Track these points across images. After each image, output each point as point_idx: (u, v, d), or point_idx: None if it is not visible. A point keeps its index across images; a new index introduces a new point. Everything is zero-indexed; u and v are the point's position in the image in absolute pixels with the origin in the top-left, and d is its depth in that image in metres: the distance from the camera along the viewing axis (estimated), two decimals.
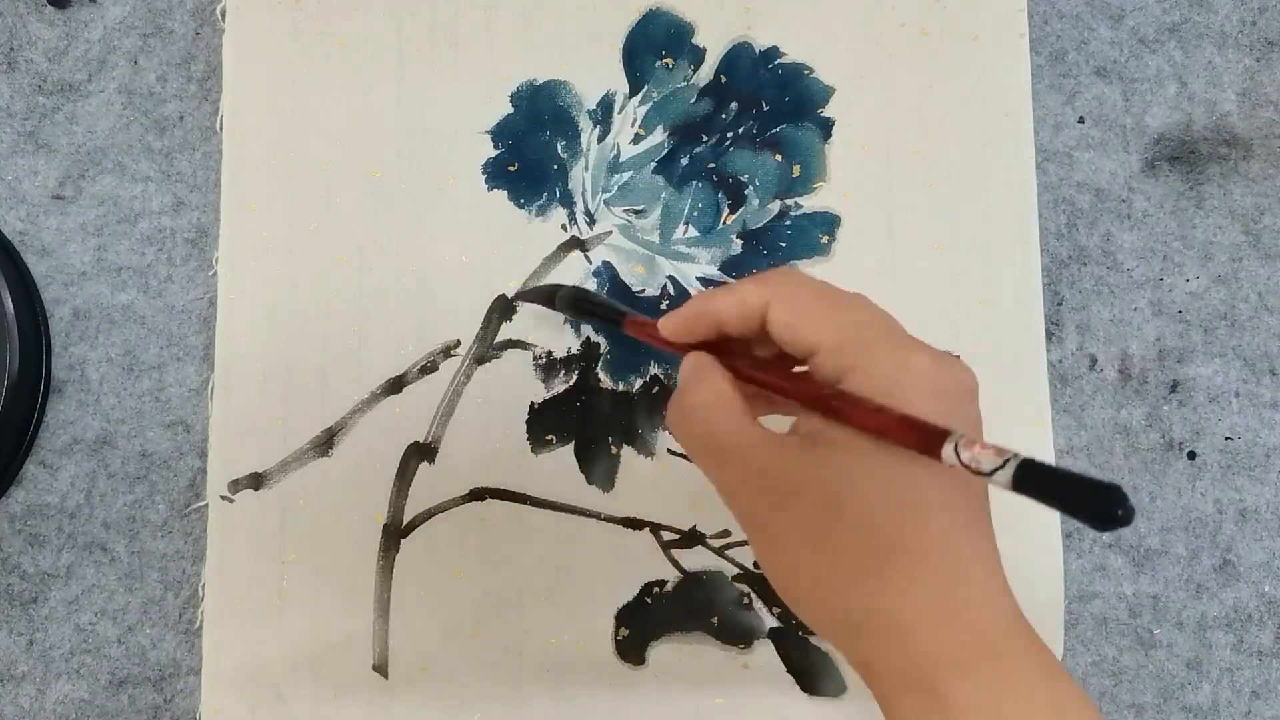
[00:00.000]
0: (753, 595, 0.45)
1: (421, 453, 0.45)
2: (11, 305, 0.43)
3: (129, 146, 0.46)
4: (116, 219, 0.46)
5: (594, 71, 0.47)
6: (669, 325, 0.33)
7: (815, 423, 0.30)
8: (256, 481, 0.45)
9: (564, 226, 0.46)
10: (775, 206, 0.47)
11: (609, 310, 0.39)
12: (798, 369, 0.32)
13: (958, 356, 0.31)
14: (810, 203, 0.47)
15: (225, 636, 0.44)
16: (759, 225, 0.47)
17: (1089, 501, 0.24)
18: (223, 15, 0.46)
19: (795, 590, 0.30)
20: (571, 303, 0.41)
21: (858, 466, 0.29)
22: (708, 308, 0.32)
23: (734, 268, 0.46)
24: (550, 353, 0.46)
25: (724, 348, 0.33)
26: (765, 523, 0.30)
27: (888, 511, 0.28)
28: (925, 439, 0.27)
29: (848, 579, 0.29)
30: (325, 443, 0.45)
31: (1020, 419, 0.46)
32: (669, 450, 0.45)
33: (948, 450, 0.26)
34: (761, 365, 0.33)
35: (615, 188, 0.46)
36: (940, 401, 0.29)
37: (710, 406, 0.30)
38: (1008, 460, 0.25)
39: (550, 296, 0.42)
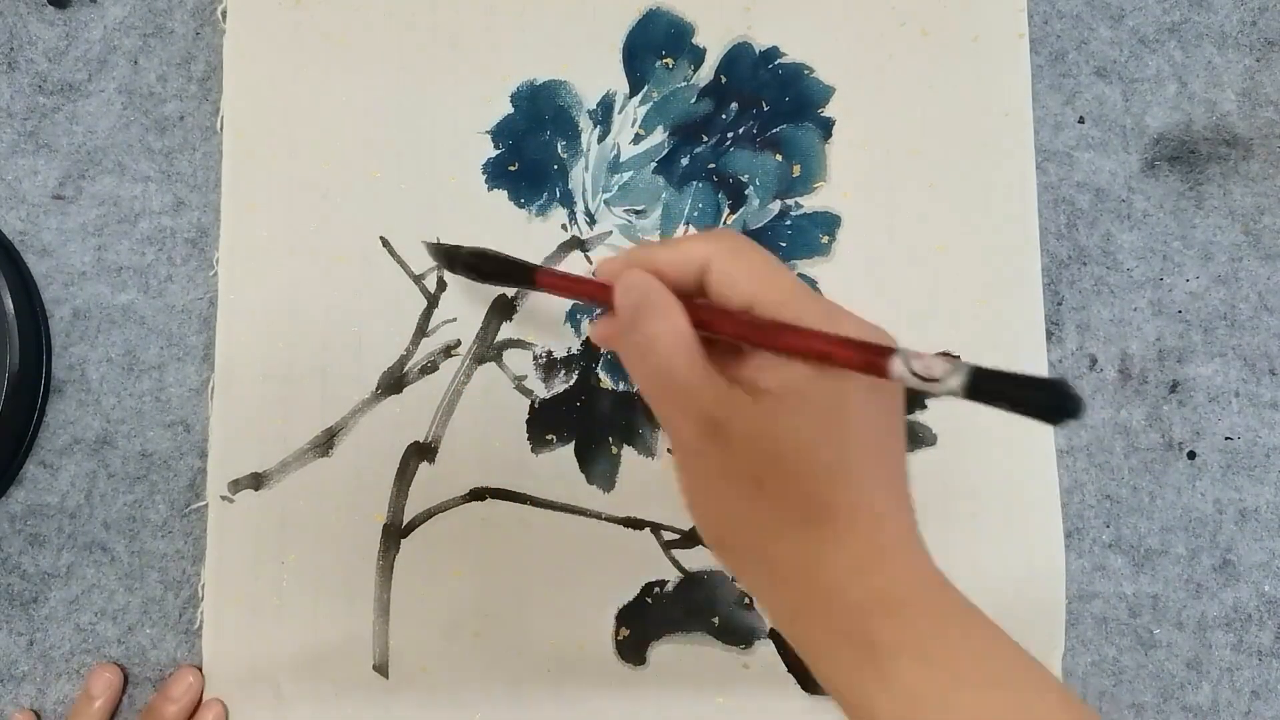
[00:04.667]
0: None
1: (421, 453, 0.45)
2: (11, 305, 0.43)
3: (129, 146, 0.46)
4: (116, 219, 0.46)
5: (594, 71, 0.47)
6: (609, 268, 0.32)
7: (750, 371, 0.30)
8: (256, 481, 0.45)
9: (564, 226, 0.46)
10: (775, 206, 0.47)
11: (516, 268, 0.37)
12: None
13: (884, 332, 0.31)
14: (810, 203, 0.47)
15: (225, 636, 0.44)
16: (759, 225, 0.47)
17: (1037, 399, 0.24)
18: (223, 15, 0.46)
19: (723, 535, 0.31)
20: (471, 266, 0.40)
21: (798, 420, 0.29)
22: (649, 257, 0.31)
23: None
24: (550, 352, 0.46)
25: None
26: (703, 466, 0.30)
27: (823, 468, 0.29)
28: (871, 357, 0.27)
29: (779, 530, 0.29)
30: (325, 443, 0.45)
31: (1020, 419, 0.46)
32: (669, 450, 0.45)
33: (896, 365, 0.26)
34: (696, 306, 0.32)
35: (615, 188, 0.46)
36: None
37: (669, 343, 0.30)
38: (958, 368, 0.25)
39: (450, 258, 0.41)
